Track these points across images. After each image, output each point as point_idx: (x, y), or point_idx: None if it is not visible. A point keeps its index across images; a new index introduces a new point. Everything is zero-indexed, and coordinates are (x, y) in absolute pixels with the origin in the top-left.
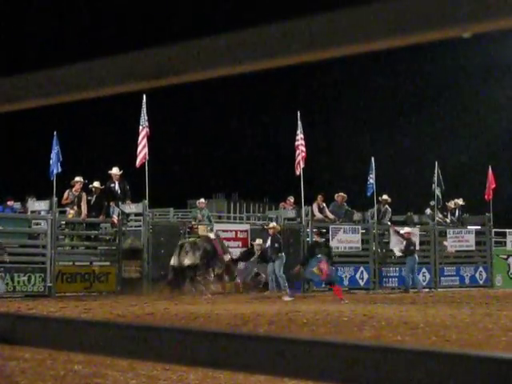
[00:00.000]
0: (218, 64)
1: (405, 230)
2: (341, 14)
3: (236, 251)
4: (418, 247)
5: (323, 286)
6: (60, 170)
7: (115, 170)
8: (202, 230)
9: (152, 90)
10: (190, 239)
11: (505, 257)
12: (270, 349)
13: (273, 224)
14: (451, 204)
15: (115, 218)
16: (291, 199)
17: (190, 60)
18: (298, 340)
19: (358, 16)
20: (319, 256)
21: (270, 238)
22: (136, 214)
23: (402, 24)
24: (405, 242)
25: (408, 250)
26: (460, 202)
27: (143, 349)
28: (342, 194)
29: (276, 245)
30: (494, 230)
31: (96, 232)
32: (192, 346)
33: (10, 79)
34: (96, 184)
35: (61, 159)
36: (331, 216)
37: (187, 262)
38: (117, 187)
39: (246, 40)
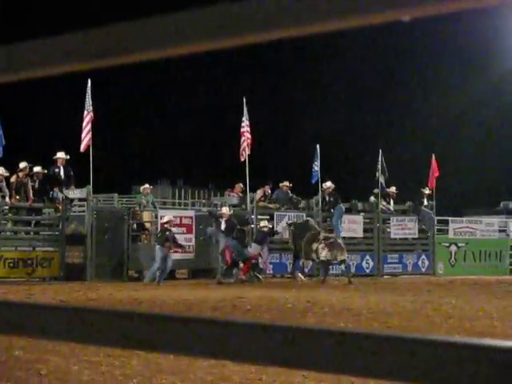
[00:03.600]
0: (163, 45)
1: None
2: None
3: (181, 237)
4: (361, 234)
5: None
6: (1, 154)
7: (61, 154)
8: (146, 216)
9: (96, 70)
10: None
11: (447, 245)
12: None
13: (225, 209)
14: (392, 190)
15: (58, 203)
16: (240, 186)
17: (134, 40)
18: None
19: None
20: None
21: (223, 222)
22: (80, 200)
23: (345, 7)
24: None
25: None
26: (393, 190)
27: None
28: (286, 183)
29: (233, 227)
30: (436, 218)
31: (39, 217)
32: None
33: None
34: (38, 169)
35: (4, 143)
36: (271, 205)
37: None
38: (61, 172)
39: (195, 19)
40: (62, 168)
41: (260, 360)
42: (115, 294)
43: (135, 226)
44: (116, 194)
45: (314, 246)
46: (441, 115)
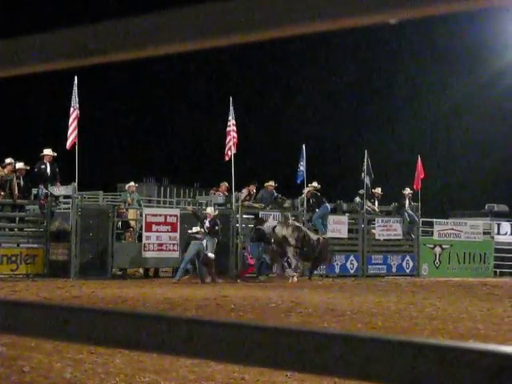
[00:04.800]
0: (148, 44)
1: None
2: None
3: (165, 236)
4: (346, 235)
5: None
6: None
7: (48, 151)
8: (131, 214)
9: (85, 68)
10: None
11: (432, 246)
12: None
13: (210, 209)
14: (377, 191)
15: (43, 200)
16: (225, 185)
17: (120, 39)
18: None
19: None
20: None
21: (207, 222)
22: (65, 197)
23: (331, 9)
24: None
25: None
26: (378, 190)
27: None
28: (271, 182)
29: (216, 227)
30: (421, 219)
31: (23, 214)
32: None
33: None
34: (20, 165)
35: None
36: (256, 204)
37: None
38: (48, 169)
39: (181, 19)
40: (48, 165)
41: (245, 361)
42: (99, 291)
43: (120, 224)
44: (101, 192)
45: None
46: (427, 116)
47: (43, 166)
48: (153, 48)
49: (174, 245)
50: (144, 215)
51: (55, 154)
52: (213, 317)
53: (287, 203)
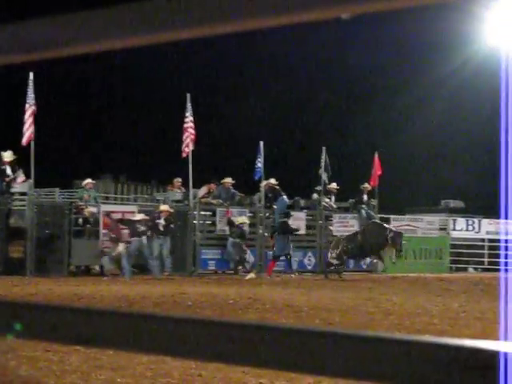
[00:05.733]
0: (99, 38)
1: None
2: None
3: (123, 232)
4: (304, 231)
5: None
6: None
7: (8, 155)
8: (88, 211)
9: (41, 63)
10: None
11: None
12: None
13: (164, 206)
14: (333, 186)
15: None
16: (178, 181)
17: (73, 32)
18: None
19: None
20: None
21: (163, 219)
22: (21, 194)
23: (282, 3)
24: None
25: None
26: (334, 185)
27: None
28: (228, 179)
29: (171, 225)
30: (378, 215)
31: None
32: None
33: None
34: None
35: None
36: (213, 201)
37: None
38: (8, 171)
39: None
40: (8, 167)
41: (202, 357)
42: (55, 288)
43: (80, 220)
44: (57, 189)
45: None
46: (384, 113)
47: (3, 167)
48: (117, 41)
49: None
50: (101, 212)
51: (15, 158)
52: (169, 313)
53: (246, 200)
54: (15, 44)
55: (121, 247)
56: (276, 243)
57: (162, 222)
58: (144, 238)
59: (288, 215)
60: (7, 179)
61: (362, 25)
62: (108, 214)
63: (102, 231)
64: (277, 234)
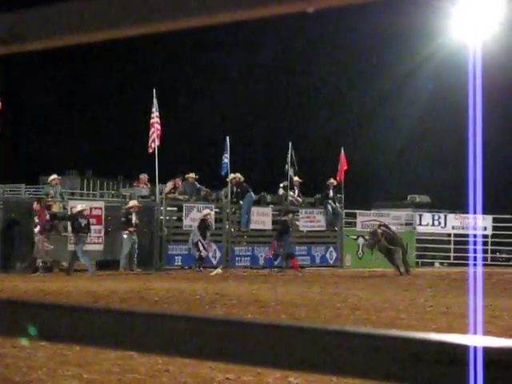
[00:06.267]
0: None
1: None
2: None
3: (91, 228)
4: (270, 227)
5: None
6: None
7: None
8: (55, 207)
9: (5, 57)
10: None
11: (355, 237)
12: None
13: (133, 202)
14: (296, 179)
15: None
16: (144, 177)
17: (44, 25)
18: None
19: None
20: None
21: (134, 215)
22: None
23: None
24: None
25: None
26: (296, 179)
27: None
28: (192, 174)
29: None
30: (344, 210)
31: None
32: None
33: None
34: None
35: None
36: (180, 196)
37: None
38: None
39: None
40: None
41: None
42: (21, 285)
43: (48, 216)
44: (23, 185)
45: None
46: (350, 108)
47: None
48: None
49: (98, 237)
50: (69, 208)
51: None
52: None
53: (212, 195)
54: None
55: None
56: (284, 242)
57: (133, 217)
58: (88, 235)
59: (287, 213)
60: None
61: (328, 19)
62: (37, 200)
63: (70, 227)
64: (278, 233)
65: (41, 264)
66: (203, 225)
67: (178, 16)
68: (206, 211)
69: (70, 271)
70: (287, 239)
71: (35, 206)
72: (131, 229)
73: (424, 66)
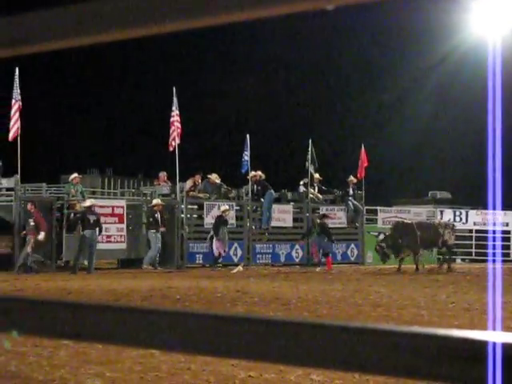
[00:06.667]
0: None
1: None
2: None
3: (113, 227)
4: (291, 224)
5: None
6: None
7: None
8: (78, 206)
9: (27, 58)
10: None
11: (376, 234)
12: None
13: (156, 201)
14: (316, 176)
15: None
16: (164, 175)
17: (57, 27)
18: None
19: None
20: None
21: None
22: (7, 189)
23: None
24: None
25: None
26: (317, 176)
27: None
28: (214, 174)
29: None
30: (365, 207)
31: None
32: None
33: None
34: None
35: None
36: (200, 194)
37: None
38: None
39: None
40: None
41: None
42: (43, 284)
43: (72, 215)
44: (44, 184)
45: None
46: (371, 104)
47: None
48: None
49: (121, 236)
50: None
51: None
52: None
53: (232, 193)
54: (2, 38)
55: (41, 236)
56: (321, 242)
57: (158, 216)
58: (97, 230)
59: (324, 217)
60: None
61: (348, 16)
62: (31, 201)
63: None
64: (316, 234)
65: (33, 264)
66: (219, 221)
67: (191, 15)
68: (224, 207)
69: (91, 270)
70: (323, 238)
71: (29, 206)
72: (162, 228)
73: (444, 62)
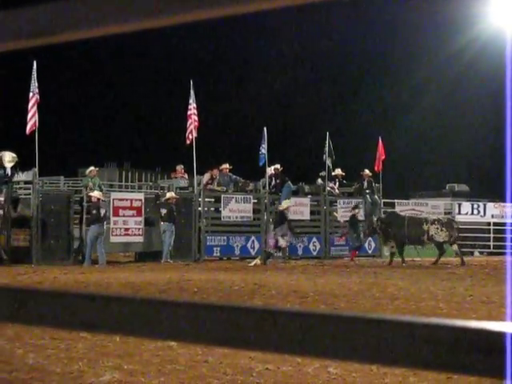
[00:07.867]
0: (94, 25)
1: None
2: None
3: (131, 221)
4: (308, 217)
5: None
6: None
7: (8, 157)
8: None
9: (45, 52)
10: None
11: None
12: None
13: (170, 193)
14: (338, 172)
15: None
16: (181, 168)
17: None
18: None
19: None
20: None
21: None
22: (25, 182)
23: None
24: None
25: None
26: (339, 171)
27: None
28: (225, 165)
29: (175, 213)
30: (383, 200)
31: None
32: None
33: None
34: None
35: None
36: (218, 187)
37: None
38: (8, 171)
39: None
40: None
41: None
42: (61, 277)
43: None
44: (62, 177)
45: None
46: (388, 97)
47: (1, 171)
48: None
49: (139, 229)
50: (111, 200)
51: (14, 155)
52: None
53: (249, 186)
54: (16, 30)
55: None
56: (351, 236)
57: (173, 208)
58: (104, 224)
59: (357, 207)
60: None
61: (364, 7)
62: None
63: (113, 219)
64: (349, 225)
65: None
66: (282, 216)
67: (197, 7)
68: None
69: (103, 263)
70: (353, 231)
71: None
72: (163, 223)
73: (462, 54)
